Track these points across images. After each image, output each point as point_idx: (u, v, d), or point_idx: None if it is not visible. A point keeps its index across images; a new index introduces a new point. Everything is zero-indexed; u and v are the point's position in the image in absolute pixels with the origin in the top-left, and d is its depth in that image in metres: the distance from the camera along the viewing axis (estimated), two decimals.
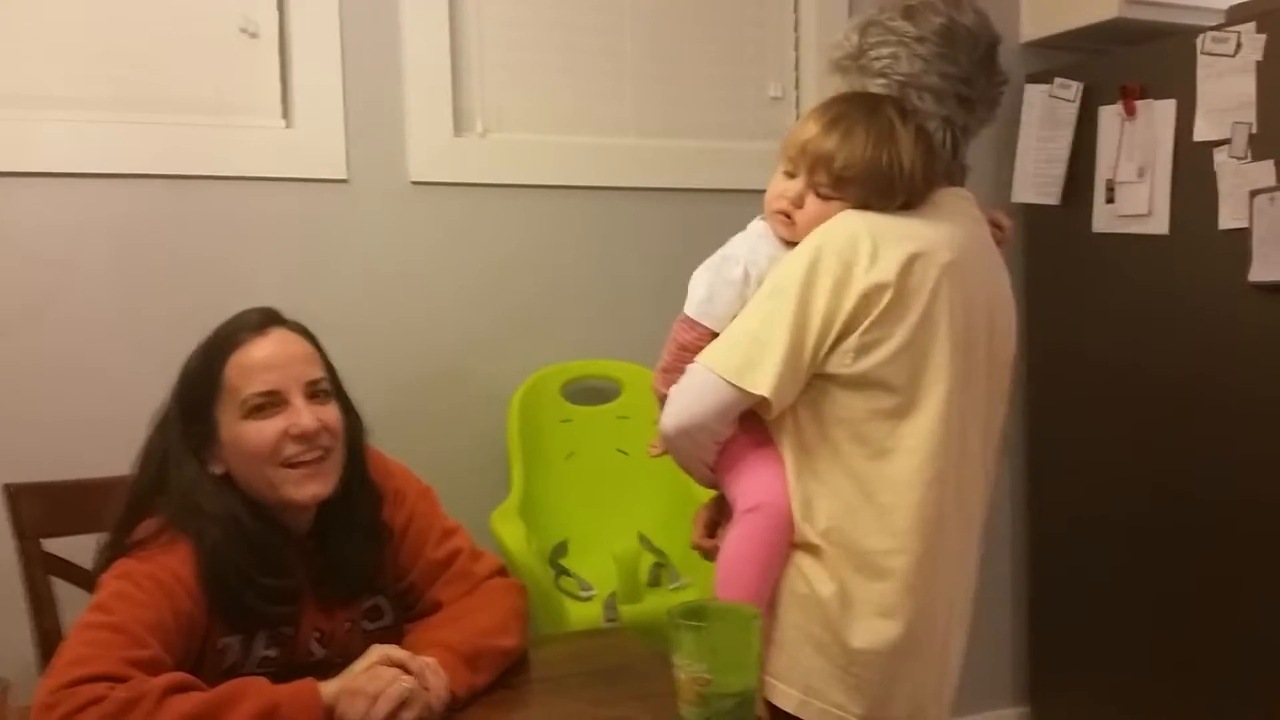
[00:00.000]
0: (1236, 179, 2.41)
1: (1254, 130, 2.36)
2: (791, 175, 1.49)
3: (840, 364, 1.42)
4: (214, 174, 2.28)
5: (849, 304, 1.39)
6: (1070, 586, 2.92)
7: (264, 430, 1.40)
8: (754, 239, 1.53)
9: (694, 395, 1.46)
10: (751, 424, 1.49)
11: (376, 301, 2.43)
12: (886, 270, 1.39)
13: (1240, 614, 2.45)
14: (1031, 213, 2.86)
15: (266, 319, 1.47)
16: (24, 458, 1.98)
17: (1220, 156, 2.43)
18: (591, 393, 2.61)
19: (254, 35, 2.32)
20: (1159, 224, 2.59)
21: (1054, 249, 2.84)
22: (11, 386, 2.16)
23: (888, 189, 1.44)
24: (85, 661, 1.21)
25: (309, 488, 1.42)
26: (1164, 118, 2.56)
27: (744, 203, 2.68)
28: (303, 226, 2.37)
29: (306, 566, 1.47)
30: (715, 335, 1.49)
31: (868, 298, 1.39)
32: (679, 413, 1.47)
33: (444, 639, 1.41)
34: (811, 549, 1.46)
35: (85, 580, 1.67)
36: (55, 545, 1.74)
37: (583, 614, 2.17)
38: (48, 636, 1.67)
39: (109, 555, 1.39)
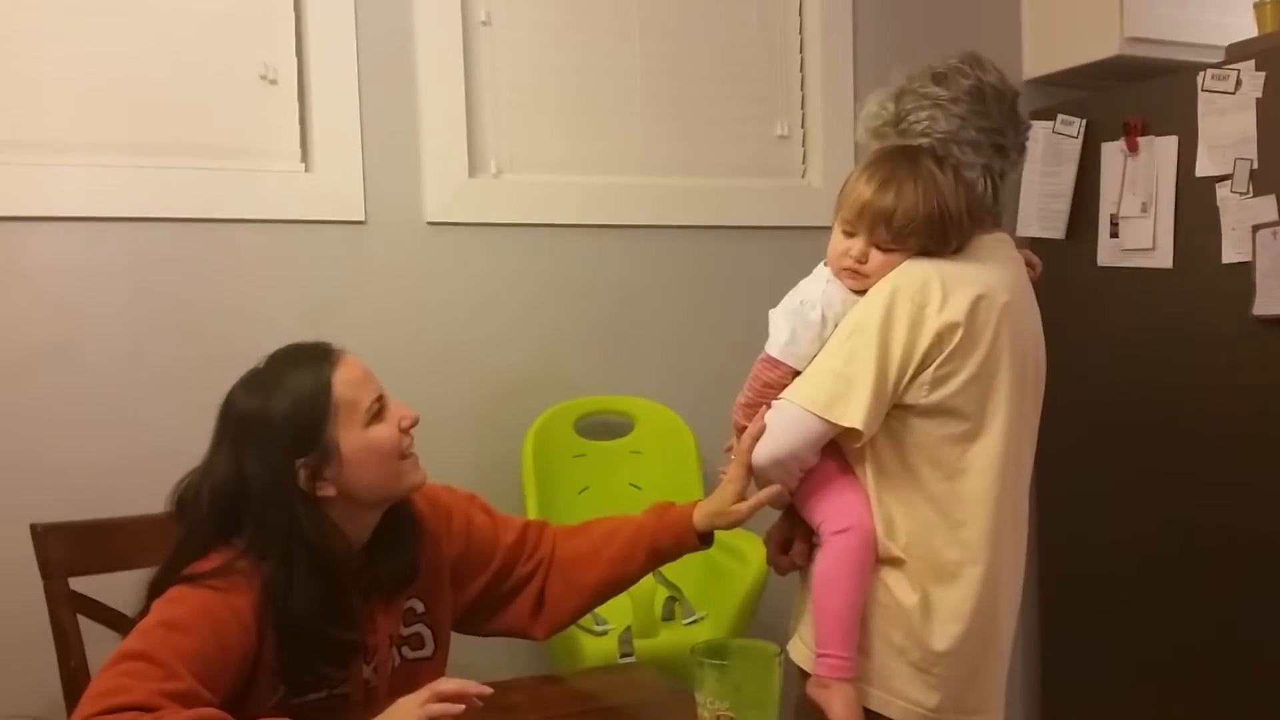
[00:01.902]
0: (1239, 214, 2.44)
1: (1255, 166, 2.40)
2: (850, 234, 1.59)
3: (917, 395, 1.54)
4: (233, 217, 2.33)
5: (925, 341, 1.52)
6: (1080, 615, 2.93)
7: (389, 429, 1.51)
8: (824, 284, 1.63)
9: (785, 429, 1.56)
10: (831, 451, 1.61)
11: (393, 339, 2.46)
12: (957, 311, 1.52)
13: (1248, 643, 2.47)
14: (1036, 247, 2.88)
15: (328, 346, 1.55)
16: (47, 498, 2.02)
17: (1223, 192, 2.47)
18: (605, 428, 2.64)
19: (274, 81, 2.37)
20: (1163, 258, 2.62)
21: (1058, 283, 2.84)
22: (34, 426, 2.19)
23: (943, 235, 1.56)
24: (117, 691, 1.23)
25: (420, 473, 1.56)
26: (1166, 153, 2.60)
27: (753, 238, 2.76)
28: (320, 268, 2.41)
29: (356, 581, 1.51)
30: (796, 373, 1.60)
31: (941, 336, 1.52)
32: (772, 444, 1.57)
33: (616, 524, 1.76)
34: (895, 562, 1.57)
35: (111, 619, 1.71)
36: (81, 584, 1.77)
37: (597, 648, 2.19)
38: (74, 675, 1.70)
39: (162, 585, 1.41)
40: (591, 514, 2.52)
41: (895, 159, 1.59)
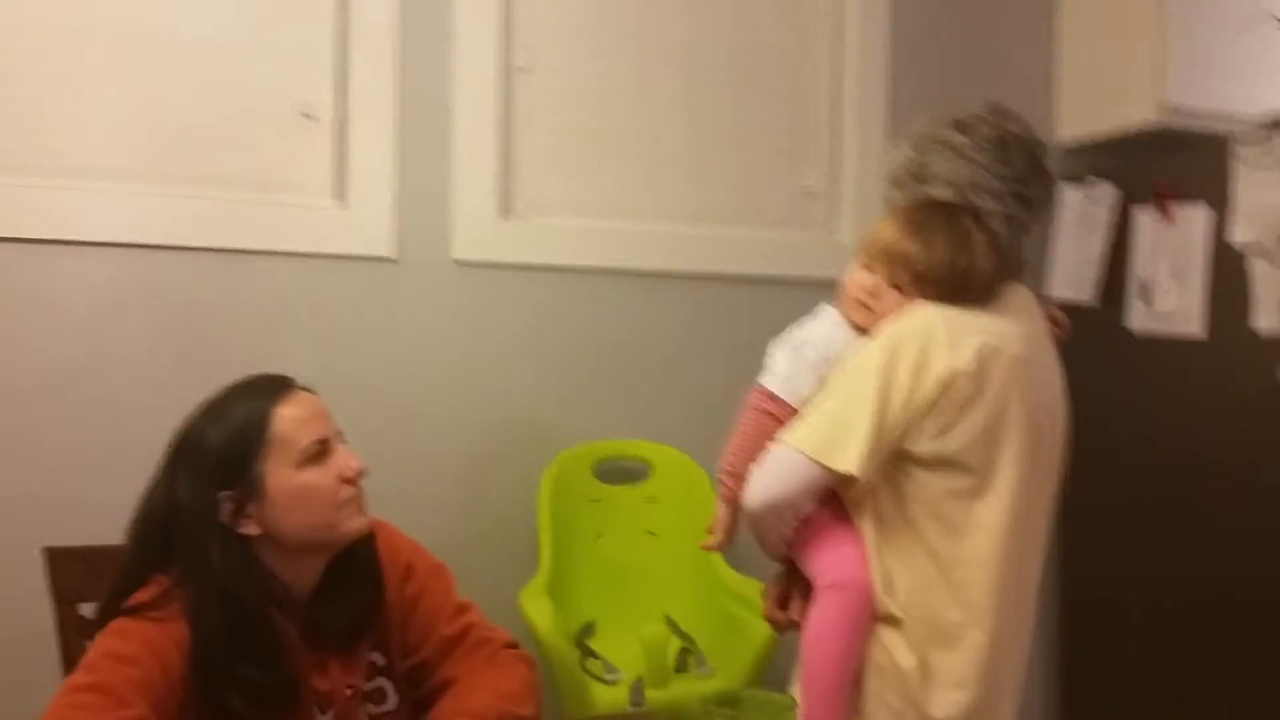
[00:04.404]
0: (1272, 284, 2.42)
1: None
2: (870, 269, 1.57)
3: (921, 445, 1.49)
4: (266, 249, 2.36)
5: (928, 387, 1.47)
6: (1105, 684, 2.87)
7: (324, 475, 1.44)
8: (828, 325, 1.61)
9: (779, 473, 1.52)
10: (829, 501, 1.56)
11: (418, 376, 2.48)
12: (963, 359, 1.48)
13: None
14: (1066, 310, 2.86)
15: (287, 380, 1.50)
16: (60, 521, 2.02)
17: (1256, 261, 2.45)
18: (621, 473, 2.63)
19: (314, 118, 2.40)
20: (1194, 326, 2.60)
21: (1089, 347, 2.82)
22: (53, 449, 2.21)
23: (962, 290, 1.53)
24: None
25: (360, 520, 1.48)
26: (1199, 222, 2.59)
27: (779, 290, 2.76)
28: (349, 302, 2.43)
29: (304, 632, 1.46)
30: (792, 410, 1.56)
31: (946, 383, 1.47)
32: (765, 489, 1.52)
33: (469, 706, 1.43)
34: (894, 621, 1.52)
35: None
36: (92, 610, 1.76)
37: (608, 697, 2.16)
38: None
39: (104, 618, 1.39)
40: (606, 562, 2.54)
41: (931, 208, 1.57)
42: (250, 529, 1.42)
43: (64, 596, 1.73)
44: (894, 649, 1.51)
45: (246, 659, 1.38)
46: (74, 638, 1.71)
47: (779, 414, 1.57)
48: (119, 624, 1.36)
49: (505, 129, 2.56)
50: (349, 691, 1.50)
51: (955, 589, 1.51)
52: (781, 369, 1.59)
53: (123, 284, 2.27)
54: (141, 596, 1.38)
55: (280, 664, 1.41)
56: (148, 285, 2.29)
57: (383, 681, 1.55)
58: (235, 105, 2.35)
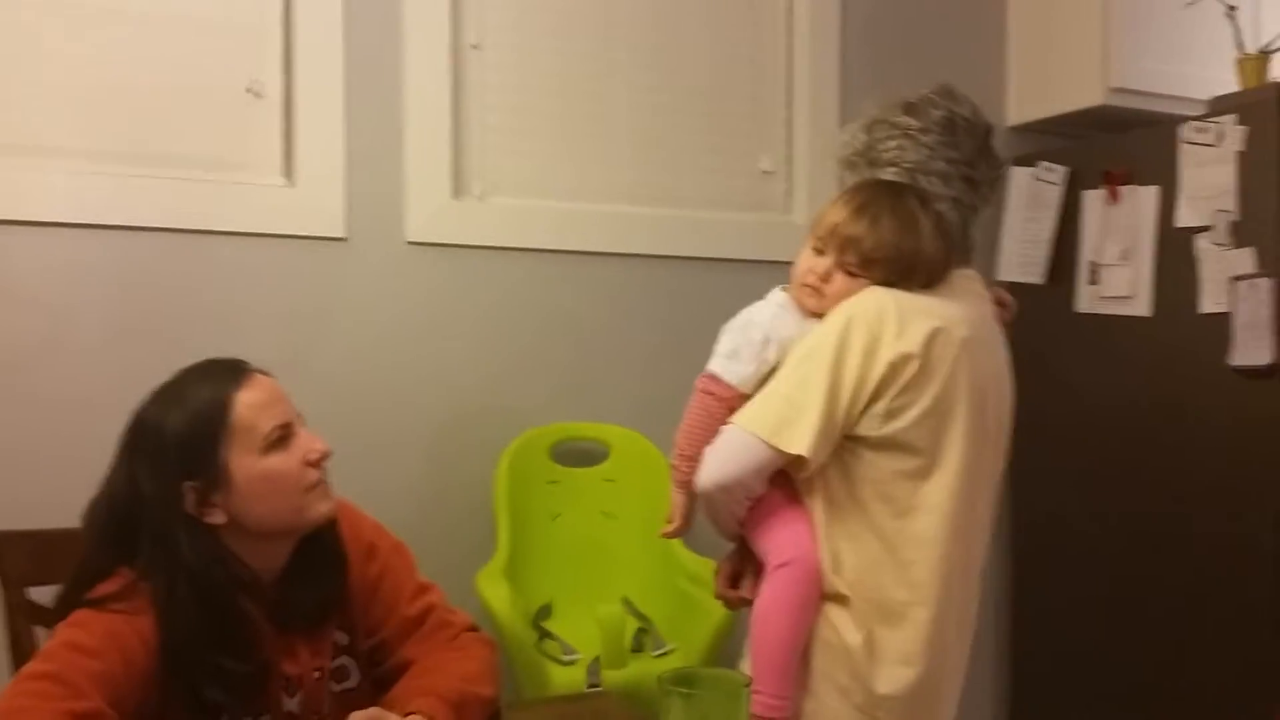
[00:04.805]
0: (1218, 265, 2.46)
1: (1235, 218, 2.43)
2: (820, 253, 1.59)
3: (869, 427, 1.51)
4: (215, 229, 2.32)
5: (878, 370, 1.49)
6: (1051, 657, 2.92)
7: (290, 460, 1.43)
8: (775, 308, 1.63)
9: (731, 454, 1.54)
10: (780, 481, 1.57)
11: (370, 358, 2.46)
12: (912, 342, 1.50)
13: (1215, 699, 2.46)
14: (1015, 291, 2.89)
15: (242, 364, 1.48)
16: (12, 504, 1.98)
17: (1202, 242, 2.49)
18: (579, 455, 2.63)
19: (260, 95, 2.37)
20: (1141, 306, 2.64)
21: (1036, 327, 2.86)
22: (4, 432, 2.16)
23: (910, 271, 1.56)
24: (20, 712, 1.19)
25: (327, 505, 1.47)
26: (1147, 203, 2.62)
27: (735, 271, 2.76)
28: (300, 282, 2.40)
29: (271, 616, 1.45)
30: (735, 391, 1.58)
31: (895, 366, 1.49)
32: (718, 469, 1.55)
33: (431, 686, 1.42)
34: (841, 599, 1.54)
35: None
36: (41, 594, 1.73)
37: (565, 678, 2.16)
38: None
39: (66, 607, 1.37)
40: (563, 543, 2.54)
41: (878, 189, 1.59)
42: (216, 518, 1.40)
43: (11, 581, 1.70)
44: (841, 627, 1.54)
45: (219, 648, 1.37)
46: (21, 623, 1.68)
47: (723, 396, 1.59)
48: (81, 615, 1.34)
49: (458, 108, 2.53)
50: (317, 675, 1.49)
51: (902, 568, 1.53)
52: (724, 352, 1.61)
53: (73, 265, 2.22)
54: (106, 588, 1.36)
55: (252, 651, 1.40)
56: (101, 266, 2.24)
57: (345, 660, 1.54)
58: (181, 82, 2.31)
